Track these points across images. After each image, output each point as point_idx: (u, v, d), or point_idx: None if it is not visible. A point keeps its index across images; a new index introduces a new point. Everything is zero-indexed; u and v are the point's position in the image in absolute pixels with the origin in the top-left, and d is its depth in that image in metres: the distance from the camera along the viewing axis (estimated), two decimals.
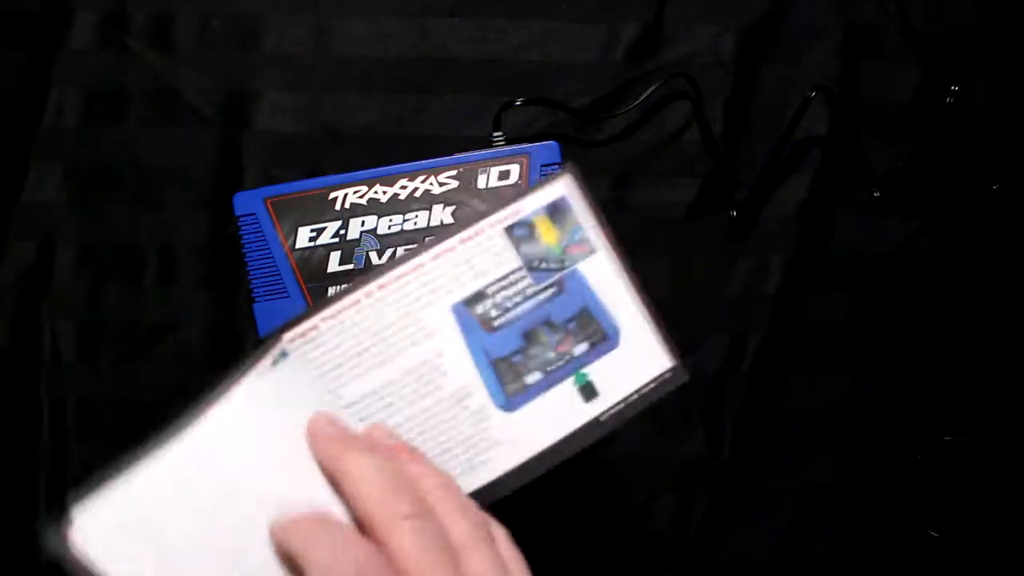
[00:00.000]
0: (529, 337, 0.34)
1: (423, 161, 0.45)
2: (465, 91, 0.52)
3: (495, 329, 0.34)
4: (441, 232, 0.35)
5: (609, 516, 0.51)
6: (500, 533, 0.30)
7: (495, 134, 0.48)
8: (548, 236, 0.35)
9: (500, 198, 0.43)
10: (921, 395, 0.52)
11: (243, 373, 0.31)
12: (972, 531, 0.51)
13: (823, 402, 0.52)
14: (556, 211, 0.35)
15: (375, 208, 0.45)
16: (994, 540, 0.51)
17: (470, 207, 0.44)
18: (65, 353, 0.51)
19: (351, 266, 0.45)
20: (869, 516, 0.51)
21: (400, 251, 0.45)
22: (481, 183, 0.45)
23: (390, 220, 0.45)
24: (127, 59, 0.52)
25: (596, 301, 0.35)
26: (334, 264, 0.45)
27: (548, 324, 0.34)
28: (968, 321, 0.52)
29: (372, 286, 0.33)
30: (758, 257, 0.52)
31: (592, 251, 0.35)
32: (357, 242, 0.45)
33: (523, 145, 0.46)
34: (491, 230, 0.34)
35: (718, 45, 0.53)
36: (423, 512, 0.28)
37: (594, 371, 0.34)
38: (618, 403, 0.34)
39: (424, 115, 0.52)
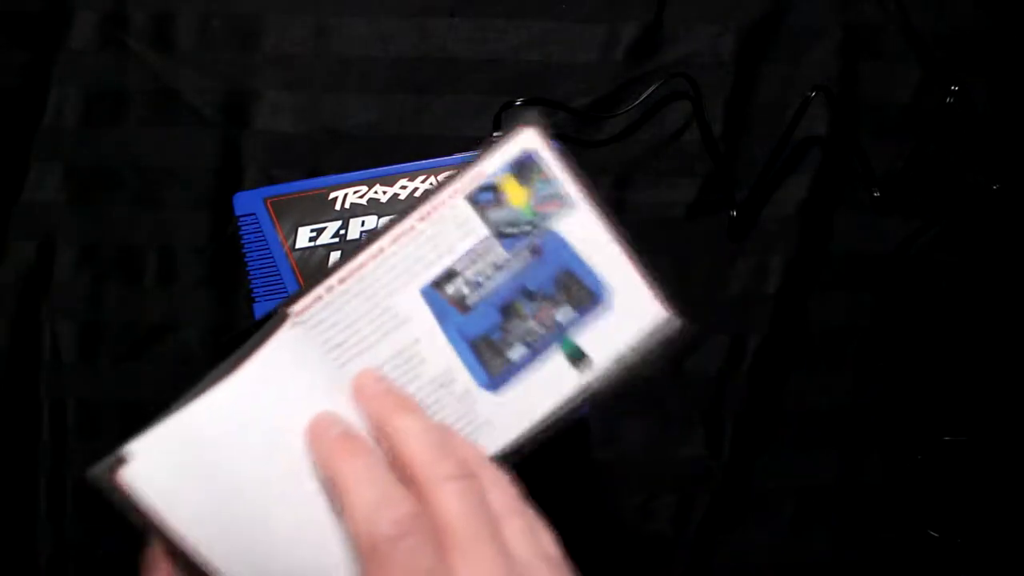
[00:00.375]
0: (507, 311, 0.32)
1: (423, 161, 0.45)
2: (465, 91, 0.52)
3: (469, 308, 0.32)
4: (402, 210, 0.33)
5: (609, 516, 0.51)
6: (529, 509, 0.30)
7: (495, 134, 0.48)
8: (516, 197, 0.32)
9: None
10: (921, 395, 0.52)
11: (271, 331, 0.31)
12: (972, 531, 0.51)
13: (823, 402, 0.51)
14: (522, 168, 0.33)
15: (375, 208, 0.45)
16: (994, 540, 0.51)
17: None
18: (65, 353, 0.51)
19: None
20: (869, 516, 0.51)
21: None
22: None
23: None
24: (127, 59, 0.52)
25: (578, 260, 0.33)
26: None
27: (526, 294, 0.32)
28: (968, 321, 0.52)
29: (332, 280, 0.32)
30: (758, 257, 0.52)
31: (569, 206, 0.33)
32: (357, 242, 0.45)
33: None
34: (452, 201, 0.33)
35: (718, 45, 0.53)
36: (467, 474, 0.28)
37: (582, 335, 0.32)
38: (611, 364, 0.32)
39: (424, 115, 0.52)
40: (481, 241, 0.33)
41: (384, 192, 0.45)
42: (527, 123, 0.33)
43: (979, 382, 0.51)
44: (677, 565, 0.51)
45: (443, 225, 0.33)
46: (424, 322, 0.32)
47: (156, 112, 0.52)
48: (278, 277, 0.45)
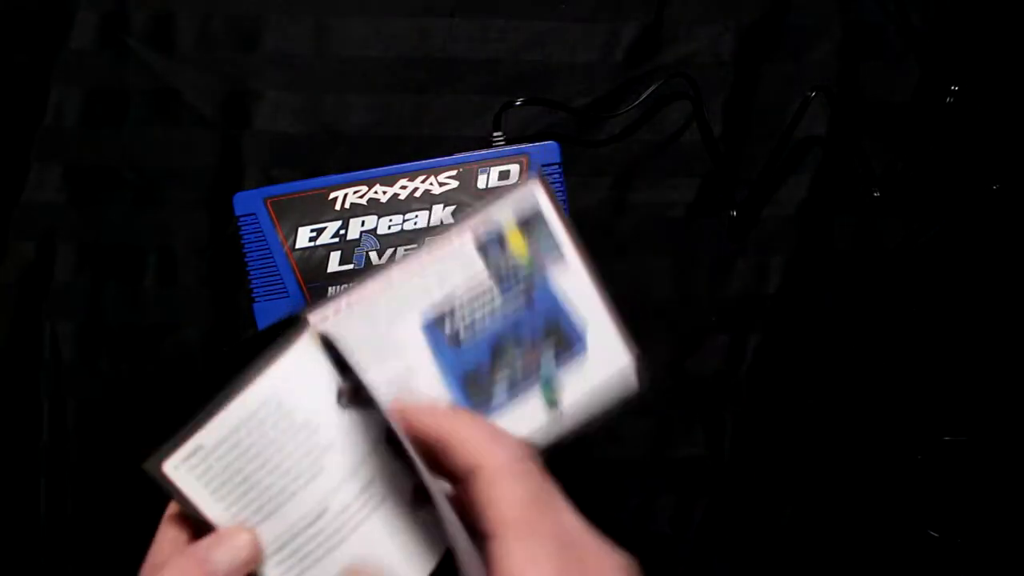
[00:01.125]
0: (497, 351, 0.35)
1: (423, 161, 0.45)
2: (465, 91, 0.52)
3: (463, 344, 0.34)
4: (431, 234, 0.35)
5: (609, 516, 0.51)
6: None
7: (495, 134, 0.48)
8: (518, 247, 0.35)
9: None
10: (921, 395, 0.52)
11: (294, 337, 0.32)
12: (972, 531, 0.51)
13: (823, 402, 0.52)
14: (527, 221, 0.35)
15: (375, 208, 0.45)
16: (994, 540, 0.51)
17: (470, 207, 0.44)
18: (65, 353, 0.51)
19: (351, 266, 0.45)
20: (869, 516, 0.51)
21: (400, 251, 0.45)
22: (481, 183, 0.45)
23: (390, 220, 0.45)
24: (127, 59, 0.52)
25: (563, 310, 0.35)
26: (334, 264, 0.45)
27: (516, 337, 0.35)
28: (968, 321, 0.52)
29: (342, 303, 0.34)
30: (758, 257, 0.52)
31: (560, 259, 0.35)
32: (357, 242, 0.45)
33: (523, 145, 0.46)
34: (460, 244, 0.35)
35: (718, 45, 0.53)
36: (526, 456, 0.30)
37: (560, 379, 0.35)
38: (581, 407, 0.35)
39: (424, 115, 0.52)
40: (482, 284, 0.35)
41: (384, 192, 0.45)
42: (534, 180, 0.35)
43: (979, 382, 0.52)
44: (677, 565, 0.51)
45: (449, 264, 0.35)
46: (420, 353, 0.34)
47: (156, 112, 0.52)
48: (278, 277, 0.45)
